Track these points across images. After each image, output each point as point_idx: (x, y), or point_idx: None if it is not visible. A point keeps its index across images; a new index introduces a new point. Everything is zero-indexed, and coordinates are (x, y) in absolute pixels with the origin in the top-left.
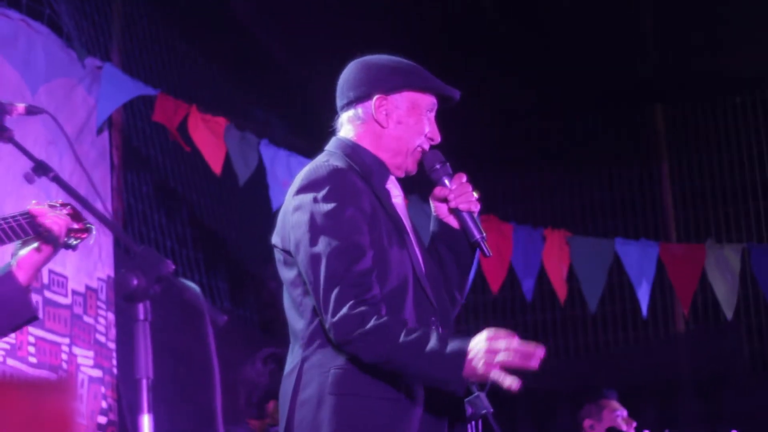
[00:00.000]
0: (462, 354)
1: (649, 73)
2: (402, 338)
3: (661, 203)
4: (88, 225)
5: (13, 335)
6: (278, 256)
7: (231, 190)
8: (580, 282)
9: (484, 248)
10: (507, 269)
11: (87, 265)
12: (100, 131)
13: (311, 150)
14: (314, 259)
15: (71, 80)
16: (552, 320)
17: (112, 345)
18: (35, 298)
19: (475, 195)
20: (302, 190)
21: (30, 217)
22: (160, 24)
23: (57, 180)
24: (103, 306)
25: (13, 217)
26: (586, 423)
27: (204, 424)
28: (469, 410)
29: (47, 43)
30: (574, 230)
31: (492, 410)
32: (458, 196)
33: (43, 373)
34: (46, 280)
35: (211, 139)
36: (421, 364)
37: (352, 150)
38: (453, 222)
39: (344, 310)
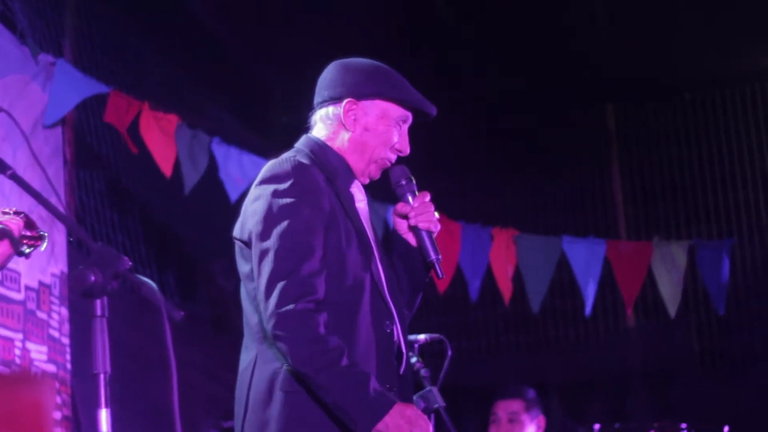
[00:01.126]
0: (384, 409)
1: (600, 72)
2: (333, 363)
3: (612, 201)
4: (41, 233)
5: None
6: (237, 247)
7: (182, 187)
8: (525, 281)
9: (438, 269)
10: (455, 268)
11: (40, 261)
12: (52, 126)
13: (263, 148)
14: (264, 251)
15: (24, 76)
16: (495, 318)
17: (65, 340)
18: None
19: (437, 215)
20: (264, 181)
21: None
22: (114, 19)
23: (14, 177)
24: (57, 301)
25: None
26: None
27: (159, 423)
28: (421, 404)
29: (0, 39)
30: (523, 228)
31: (444, 405)
32: (419, 214)
33: None
34: None
35: (161, 139)
36: (342, 396)
37: (320, 150)
38: (411, 239)
39: (288, 306)
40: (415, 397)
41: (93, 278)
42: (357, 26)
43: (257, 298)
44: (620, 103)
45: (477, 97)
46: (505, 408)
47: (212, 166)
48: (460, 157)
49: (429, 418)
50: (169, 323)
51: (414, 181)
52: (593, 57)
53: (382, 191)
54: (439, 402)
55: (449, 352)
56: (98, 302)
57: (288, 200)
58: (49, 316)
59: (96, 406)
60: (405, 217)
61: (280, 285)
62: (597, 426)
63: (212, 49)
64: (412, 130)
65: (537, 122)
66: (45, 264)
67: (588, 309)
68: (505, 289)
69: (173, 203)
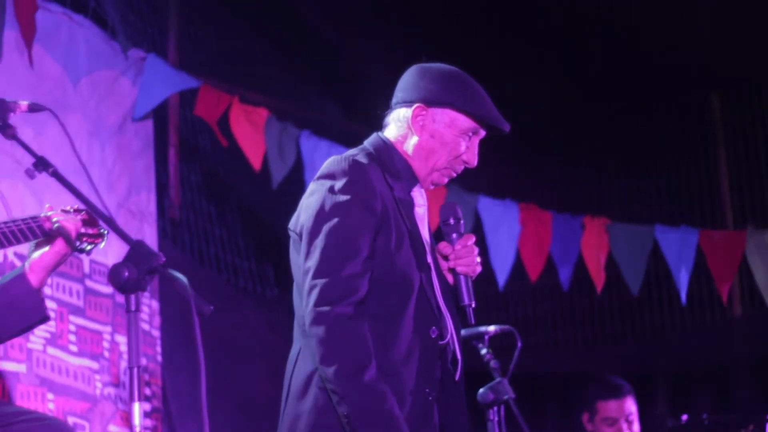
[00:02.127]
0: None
1: (704, 60)
2: (359, 375)
3: (718, 189)
4: (102, 231)
5: (53, 324)
6: (292, 239)
7: (271, 181)
8: (620, 268)
9: (470, 315)
10: (546, 258)
11: None
12: (141, 119)
13: (358, 139)
14: (312, 247)
15: (114, 72)
16: (589, 306)
17: (156, 333)
18: (76, 287)
19: (479, 260)
20: (321, 177)
21: (40, 221)
22: (217, 16)
23: (56, 175)
24: (147, 294)
25: (24, 219)
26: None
27: (243, 417)
28: (490, 396)
29: (89, 35)
30: (617, 218)
31: (514, 396)
32: (459, 257)
33: (84, 361)
34: (87, 269)
35: (251, 133)
36: (360, 413)
37: (386, 150)
38: (449, 277)
39: (326, 307)
40: (484, 389)
41: (127, 273)
42: (459, 26)
43: (302, 293)
44: (726, 90)
45: (575, 82)
46: (620, 409)
47: (301, 160)
48: (552, 147)
49: (499, 410)
50: (200, 317)
51: (462, 222)
52: (698, 43)
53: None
54: (509, 393)
55: (519, 344)
56: (132, 297)
57: (341, 198)
58: (140, 309)
59: (186, 397)
60: (446, 258)
61: (321, 283)
62: (685, 417)
63: (315, 42)
64: (505, 118)
65: (639, 110)
66: None
67: (683, 298)
68: (598, 277)
69: (268, 195)
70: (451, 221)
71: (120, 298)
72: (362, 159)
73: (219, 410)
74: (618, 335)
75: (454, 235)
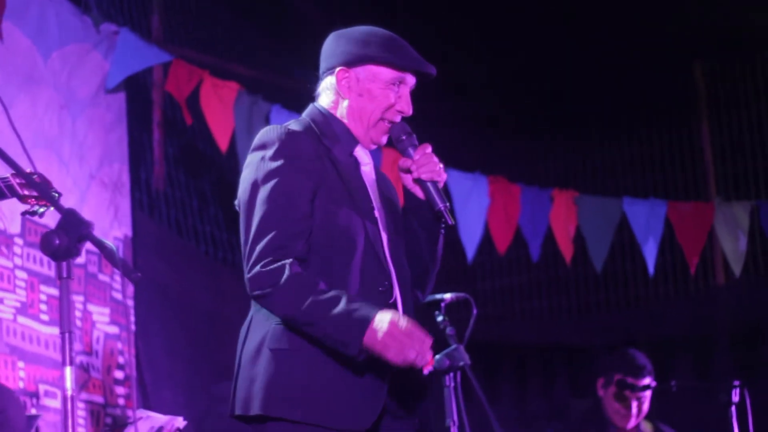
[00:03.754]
0: (366, 321)
1: (687, 28)
2: (312, 296)
3: (701, 159)
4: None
5: (23, 293)
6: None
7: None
8: (586, 242)
9: (447, 217)
10: (514, 230)
11: (102, 225)
12: (113, 91)
13: None
14: (249, 215)
15: (86, 46)
16: (556, 278)
17: (130, 302)
18: (46, 257)
19: (440, 166)
20: (254, 149)
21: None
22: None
23: None
24: None
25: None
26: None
27: (221, 380)
28: (446, 362)
29: (60, 10)
30: (585, 190)
31: (470, 363)
32: (421, 166)
33: (55, 330)
34: None
35: (220, 109)
36: (326, 323)
37: (322, 118)
38: (419, 193)
39: (258, 267)
40: (440, 356)
41: (58, 241)
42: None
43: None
44: (708, 60)
45: (547, 54)
46: (643, 385)
47: None
48: (521, 121)
49: (455, 376)
50: (130, 283)
51: (414, 135)
52: (680, 11)
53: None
54: (465, 360)
55: (474, 311)
56: (64, 264)
57: (273, 165)
58: (112, 279)
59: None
60: (409, 171)
61: (257, 249)
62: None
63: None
64: (473, 93)
65: (617, 81)
66: (108, 228)
67: (650, 270)
68: (566, 250)
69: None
70: (403, 137)
71: (92, 268)
72: (295, 127)
73: (199, 378)
74: (592, 306)
75: (411, 149)
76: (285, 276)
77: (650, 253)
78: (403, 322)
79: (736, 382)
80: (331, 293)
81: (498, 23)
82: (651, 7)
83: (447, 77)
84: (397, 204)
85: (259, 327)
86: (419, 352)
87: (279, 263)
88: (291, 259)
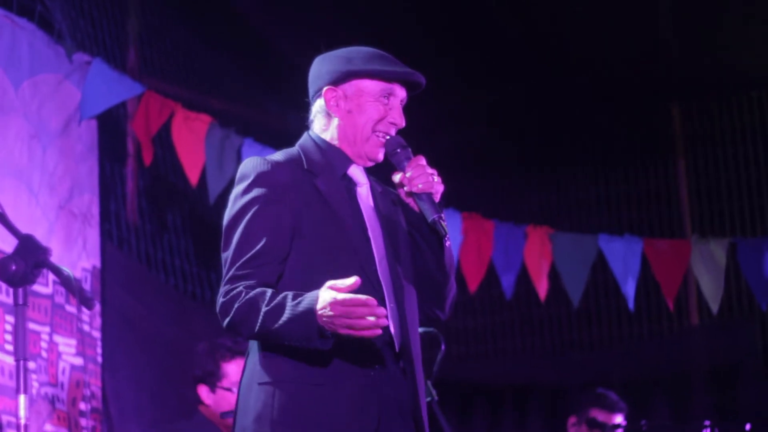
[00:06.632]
0: (311, 311)
1: (665, 71)
2: (262, 310)
3: (677, 198)
4: None
5: None
6: None
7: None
8: (562, 278)
9: (440, 228)
10: (486, 268)
11: (70, 256)
12: (86, 119)
13: None
14: (225, 254)
15: (58, 75)
16: (530, 317)
17: (96, 334)
18: None
19: (435, 176)
20: (236, 182)
21: None
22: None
23: None
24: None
25: None
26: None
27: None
28: None
29: (32, 39)
30: (560, 227)
31: (437, 399)
32: (413, 179)
33: None
34: None
35: (191, 143)
36: (283, 330)
37: (312, 144)
38: (414, 205)
39: (220, 299)
40: None
41: (14, 267)
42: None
43: None
44: (685, 103)
45: (524, 92)
46: (608, 420)
47: None
48: (496, 158)
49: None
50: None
51: (409, 149)
52: (657, 56)
53: None
54: (432, 395)
55: (443, 346)
56: (20, 291)
57: (245, 199)
58: (79, 310)
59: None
60: (403, 185)
61: (222, 283)
62: (623, 422)
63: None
64: (447, 128)
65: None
66: (76, 259)
67: (631, 307)
68: (541, 287)
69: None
70: (398, 150)
71: (59, 299)
72: (276, 157)
73: (166, 412)
74: (566, 345)
75: (405, 162)
76: (238, 301)
77: (629, 290)
78: (341, 296)
79: (707, 422)
80: (277, 299)
81: (473, 61)
82: (628, 47)
83: (421, 114)
84: (401, 221)
85: (249, 359)
86: (370, 316)
87: (235, 291)
88: (246, 282)
